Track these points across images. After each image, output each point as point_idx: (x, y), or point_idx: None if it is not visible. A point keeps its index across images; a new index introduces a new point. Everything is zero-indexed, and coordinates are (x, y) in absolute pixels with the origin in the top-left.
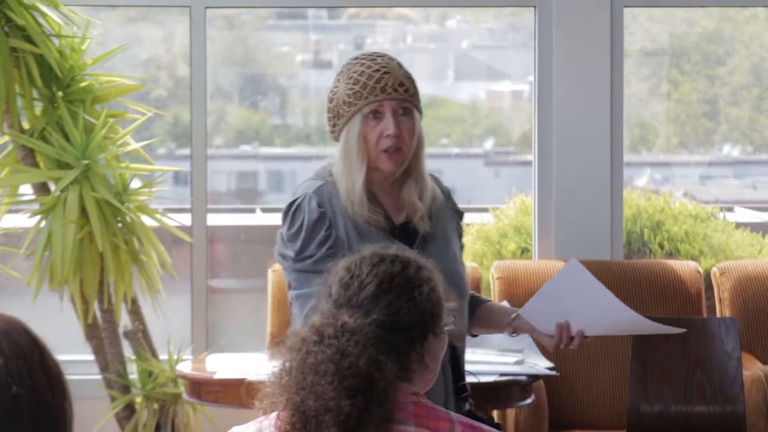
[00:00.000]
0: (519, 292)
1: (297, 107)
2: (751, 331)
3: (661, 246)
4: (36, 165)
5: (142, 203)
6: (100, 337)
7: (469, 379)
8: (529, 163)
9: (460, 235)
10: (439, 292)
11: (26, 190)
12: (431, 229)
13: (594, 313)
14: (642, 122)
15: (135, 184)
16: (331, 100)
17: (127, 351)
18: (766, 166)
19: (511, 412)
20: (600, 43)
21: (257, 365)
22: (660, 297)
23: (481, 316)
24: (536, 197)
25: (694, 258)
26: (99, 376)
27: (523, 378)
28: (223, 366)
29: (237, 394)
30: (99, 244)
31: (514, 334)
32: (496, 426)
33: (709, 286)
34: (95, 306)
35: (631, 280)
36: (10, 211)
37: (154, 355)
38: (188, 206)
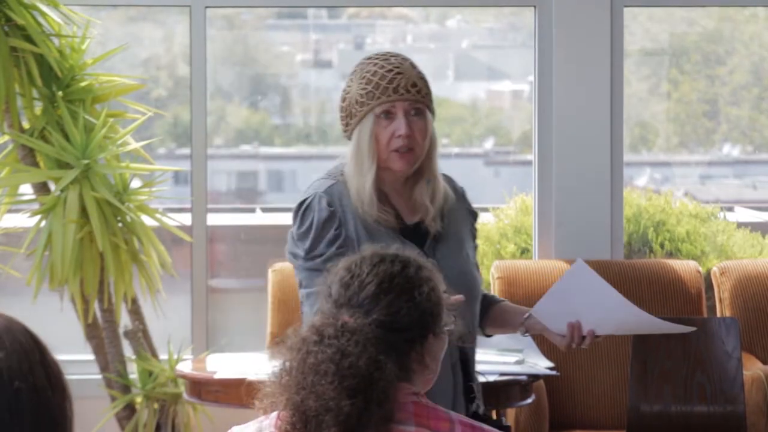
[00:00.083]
0: (519, 292)
1: (297, 107)
2: (751, 331)
3: (662, 246)
4: (36, 165)
5: (142, 203)
6: (100, 336)
7: (479, 379)
8: (529, 163)
9: (474, 236)
10: (439, 292)
11: (26, 189)
12: (443, 230)
13: (603, 312)
14: (642, 122)
15: (135, 183)
16: (343, 100)
17: (127, 351)
18: (766, 166)
19: (511, 412)
20: (600, 42)
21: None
22: (660, 297)
23: (495, 316)
24: (536, 197)
25: (695, 258)
26: (99, 376)
27: (524, 378)
28: (223, 366)
29: (237, 394)
30: (99, 243)
31: (527, 334)
32: (506, 428)
33: (709, 286)
34: (95, 306)
35: (631, 280)
36: (10, 211)
37: (154, 354)
38: (188, 206)
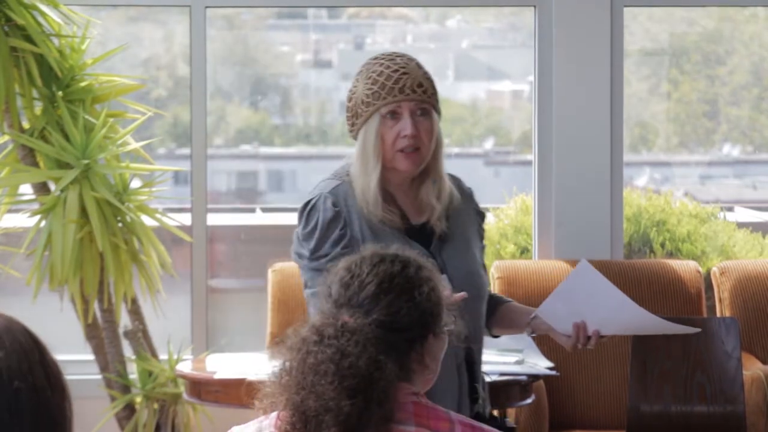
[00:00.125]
0: (519, 292)
1: (297, 107)
2: (751, 331)
3: (663, 246)
4: (36, 165)
5: (142, 203)
6: (100, 337)
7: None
8: (529, 163)
9: (481, 237)
10: (439, 292)
11: (26, 189)
12: (449, 230)
13: (608, 313)
14: (642, 122)
15: (135, 183)
16: (350, 100)
17: (127, 351)
18: (766, 166)
19: (511, 412)
20: (600, 42)
21: (257, 365)
22: (660, 297)
23: (502, 317)
24: (536, 197)
25: (695, 258)
26: (99, 376)
27: (523, 378)
28: (223, 366)
29: (237, 394)
30: (99, 243)
31: (534, 335)
32: (510, 429)
33: (709, 286)
34: (95, 306)
35: (631, 280)
36: (10, 211)
37: (154, 355)
38: (188, 206)
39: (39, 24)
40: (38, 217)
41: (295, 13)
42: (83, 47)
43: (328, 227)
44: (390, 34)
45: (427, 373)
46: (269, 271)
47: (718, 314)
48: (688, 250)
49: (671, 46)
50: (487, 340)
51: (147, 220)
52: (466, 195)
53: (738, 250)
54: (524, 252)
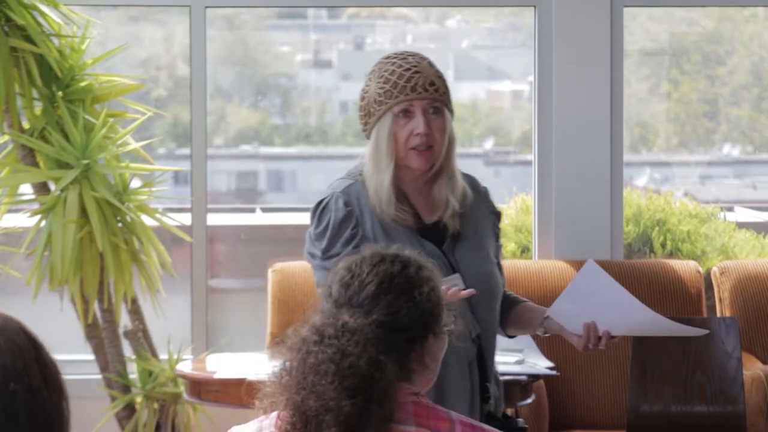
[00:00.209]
0: (519, 291)
1: (297, 107)
2: (751, 331)
3: (663, 246)
4: (36, 165)
5: (142, 203)
6: (100, 336)
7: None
8: (529, 163)
9: (497, 236)
10: (439, 292)
11: (26, 189)
12: (462, 229)
13: (616, 313)
14: (642, 122)
15: (135, 183)
16: (362, 99)
17: (127, 351)
18: (766, 166)
19: (511, 412)
20: (600, 43)
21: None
22: (660, 297)
23: (517, 317)
24: (536, 197)
25: (695, 258)
26: (99, 376)
27: (523, 378)
28: (223, 366)
29: (237, 394)
30: (99, 243)
31: (546, 335)
32: (522, 429)
33: (709, 286)
34: (95, 306)
35: (631, 280)
36: (10, 211)
37: (154, 354)
38: (188, 206)
39: (39, 24)
40: (38, 217)
41: (295, 13)
42: (83, 47)
43: (340, 227)
44: (390, 34)
45: (427, 373)
46: (269, 271)
47: (718, 314)
48: (688, 250)
49: (671, 46)
50: None
51: (147, 220)
52: (482, 194)
53: (738, 250)
54: (524, 251)
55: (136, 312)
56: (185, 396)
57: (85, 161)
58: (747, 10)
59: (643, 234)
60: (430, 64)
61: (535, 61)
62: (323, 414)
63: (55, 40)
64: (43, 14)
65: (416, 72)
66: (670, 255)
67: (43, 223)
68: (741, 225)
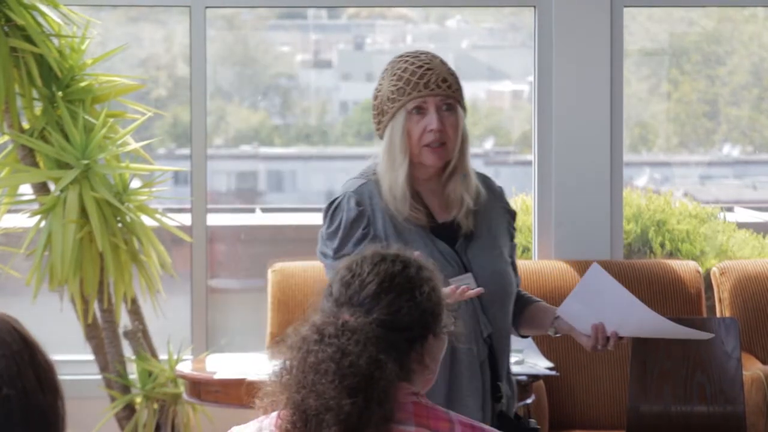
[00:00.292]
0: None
1: (297, 107)
2: (751, 331)
3: (663, 246)
4: (36, 165)
5: (142, 203)
6: (100, 337)
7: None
8: (529, 163)
9: (511, 235)
10: (440, 292)
11: (26, 189)
12: (475, 228)
13: (622, 315)
14: (642, 122)
15: (135, 184)
16: (375, 98)
17: (127, 351)
18: (766, 166)
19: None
20: (600, 43)
21: (257, 365)
22: (660, 297)
23: (531, 316)
24: (536, 197)
25: (695, 258)
26: (99, 376)
27: (523, 378)
28: (223, 366)
29: (237, 394)
30: (99, 244)
31: (558, 335)
32: (534, 429)
33: (709, 286)
34: (95, 306)
35: (631, 280)
36: (10, 211)
37: (154, 355)
38: (188, 206)
39: (39, 24)
40: (38, 217)
41: (295, 13)
42: (83, 47)
43: (351, 226)
44: (390, 34)
45: (427, 374)
46: (269, 271)
47: (718, 314)
48: (687, 250)
49: (671, 46)
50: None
51: (147, 220)
52: (496, 193)
53: (738, 250)
54: (524, 251)
55: (135, 312)
56: (185, 396)
57: (85, 161)
58: (747, 10)
59: (643, 234)
60: (442, 62)
61: (534, 61)
62: (323, 413)
63: (55, 40)
64: (43, 14)
65: (429, 69)
66: (670, 255)
67: (43, 223)
68: (741, 225)
